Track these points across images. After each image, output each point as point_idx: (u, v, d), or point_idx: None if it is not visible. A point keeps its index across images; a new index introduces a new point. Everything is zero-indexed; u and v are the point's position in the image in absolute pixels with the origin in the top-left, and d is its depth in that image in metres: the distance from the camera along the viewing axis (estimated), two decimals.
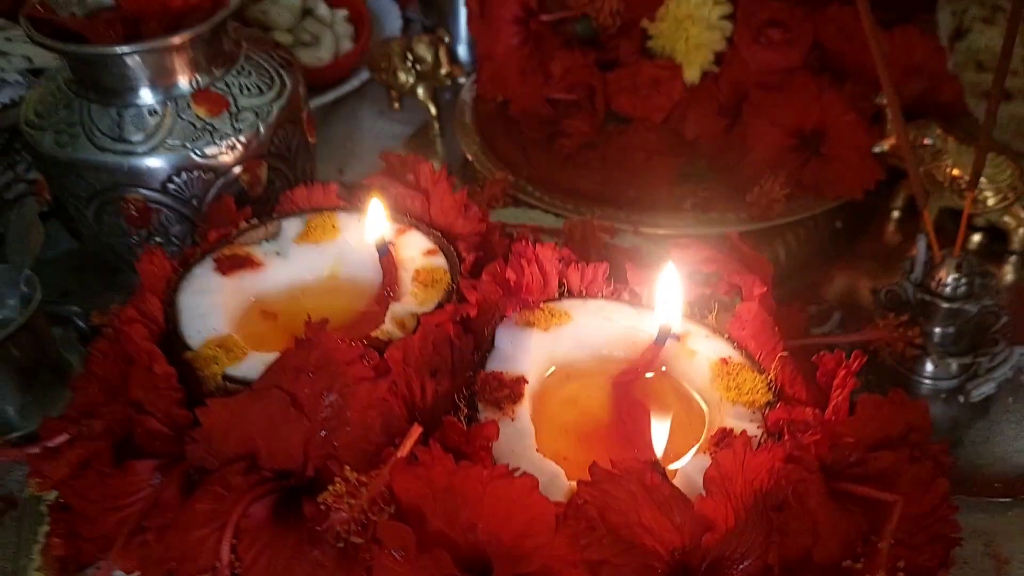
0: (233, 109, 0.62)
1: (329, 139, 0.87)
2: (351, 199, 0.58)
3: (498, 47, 0.83)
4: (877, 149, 0.69)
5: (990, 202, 0.67)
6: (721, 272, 0.52)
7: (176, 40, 0.58)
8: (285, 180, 0.66)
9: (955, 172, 0.66)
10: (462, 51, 0.94)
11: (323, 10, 0.92)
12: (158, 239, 0.63)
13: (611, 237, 0.66)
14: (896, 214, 0.75)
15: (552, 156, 0.81)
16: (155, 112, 0.60)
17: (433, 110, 0.86)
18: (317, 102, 0.86)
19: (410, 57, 0.83)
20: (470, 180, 0.82)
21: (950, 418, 0.58)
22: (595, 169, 0.79)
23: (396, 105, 0.87)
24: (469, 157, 0.79)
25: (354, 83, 0.89)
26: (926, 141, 0.67)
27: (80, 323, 0.65)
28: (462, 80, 0.87)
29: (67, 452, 0.48)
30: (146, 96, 0.60)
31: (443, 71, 0.83)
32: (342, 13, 0.93)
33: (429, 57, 0.82)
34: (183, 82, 0.61)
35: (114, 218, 0.62)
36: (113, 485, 0.47)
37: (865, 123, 0.70)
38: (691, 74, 0.78)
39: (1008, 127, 0.73)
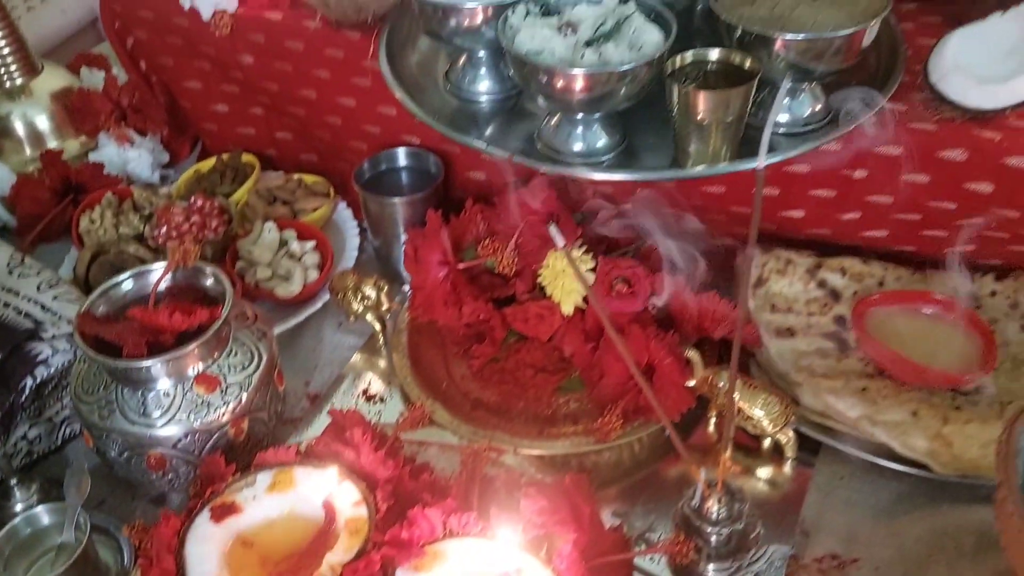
0: (224, 385, 0.88)
1: (297, 353, 1.13)
2: (306, 456, 0.85)
3: (427, 282, 1.10)
4: (689, 384, 0.95)
5: (768, 428, 0.93)
6: (548, 521, 0.78)
7: (186, 350, 0.85)
8: (262, 424, 0.93)
9: (742, 406, 0.93)
10: (402, 269, 1.21)
11: (295, 245, 1.19)
12: (170, 476, 0.89)
13: (498, 456, 0.93)
14: (712, 421, 1.00)
15: (466, 367, 1.08)
16: (168, 395, 0.86)
17: (378, 327, 1.13)
18: (287, 325, 1.12)
19: (360, 292, 1.10)
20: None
21: None
22: (496, 382, 1.06)
23: (352, 319, 1.14)
24: (400, 382, 1.06)
25: (318, 305, 1.16)
26: (720, 384, 0.94)
27: (114, 531, 0.91)
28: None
29: None
30: (163, 384, 0.86)
31: (384, 308, 1.09)
32: (310, 244, 1.20)
33: (373, 296, 1.09)
34: (190, 371, 0.87)
35: (138, 463, 0.88)
36: None
37: (680, 364, 0.96)
38: (566, 309, 1.04)
39: (788, 359, 0.99)
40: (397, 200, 1.15)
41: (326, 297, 1.17)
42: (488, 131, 1.03)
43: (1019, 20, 0.93)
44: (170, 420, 0.86)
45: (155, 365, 0.84)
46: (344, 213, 1.32)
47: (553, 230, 0.67)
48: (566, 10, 0.95)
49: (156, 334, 0.87)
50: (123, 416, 0.86)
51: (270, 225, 1.19)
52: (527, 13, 0.94)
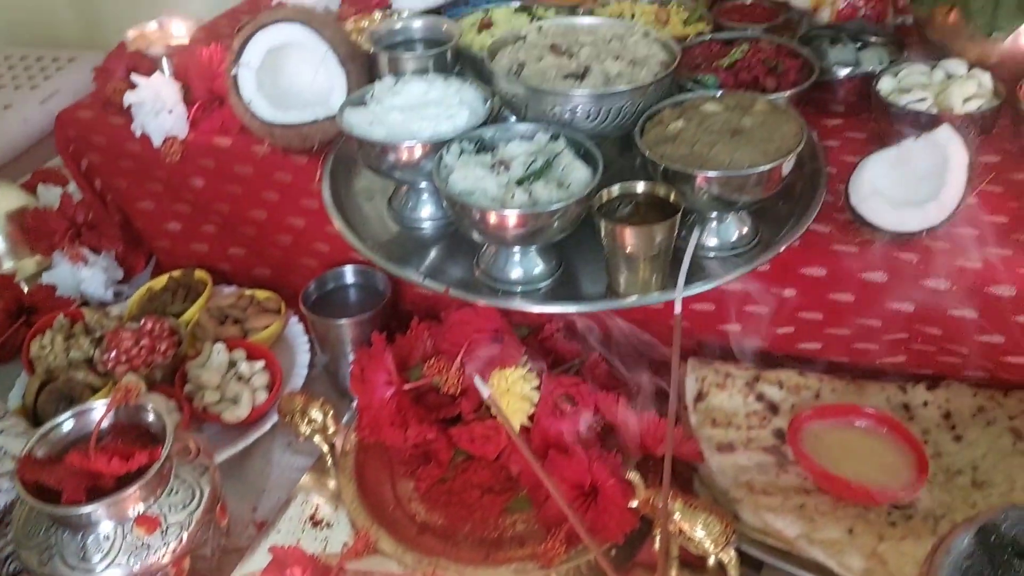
0: (164, 526, 0.88)
1: (244, 476, 1.13)
2: None
3: (374, 401, 1.11)
4: (632, 505, 0.96)
5: (709, 548, 0.94)
6: None
7: (125, 494, 0.85)
8: (203, 560, 0.92)
9: (683, 526, 0.94)
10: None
11: (244, 366, 1.19)
12: None
13: None
14: (658, 538, 1.01)
15: (413, 489, 1.08)
16: (108, 538, 0.86)
17: (326, 448, 1.13)
18: (234, 449, 1.13)
19: (307, 415, 1.10)
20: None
21: None
22: (443, 504, 1.06)
23: (301, 438, 1.14)
24: (345, 509, 1.06)
25: (266, 427, 1.16)
26: (660, 504, 0.95)
27: None
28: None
29: None
30: (104, 527, 0.86)
31: (331, 431, 1.10)
32: (260, 364, 1.21)
33: (320, 419, 1.10)
34: (130, 512, 0.87)
35: None
36: None
37: (623, 486, 0.97)
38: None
39: (729, 474, 1.01)
40: (344, 321, 1.17)
41: (275, 418, 1.17)
42: (429, 257, 1.06)
43: (930, 147, 0.98)
44: (110, 564, 0.85)
45: (95, 510, 0.84)
46: (296, 328, 1.33)
47: (478, 382, 0.69)
48: (500, 146, 0.99)
49: (96, 477, 0.87)
50: (63, 561, 0.86)
51: (219, 347, 1.21)
52: (461, 152, 0.98)
